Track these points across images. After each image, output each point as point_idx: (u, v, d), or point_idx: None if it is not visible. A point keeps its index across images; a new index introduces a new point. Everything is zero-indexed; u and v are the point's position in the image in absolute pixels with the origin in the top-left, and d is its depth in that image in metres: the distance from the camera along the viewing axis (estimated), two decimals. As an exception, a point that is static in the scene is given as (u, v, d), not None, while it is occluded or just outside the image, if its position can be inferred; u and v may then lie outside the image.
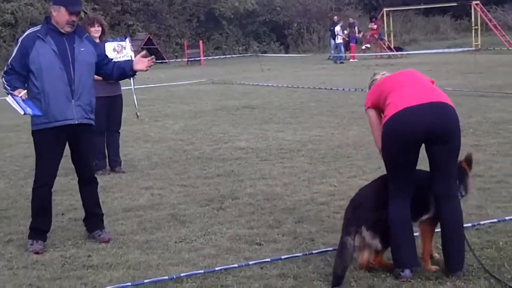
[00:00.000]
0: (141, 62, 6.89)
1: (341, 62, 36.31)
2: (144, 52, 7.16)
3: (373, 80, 6.14)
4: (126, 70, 6.96)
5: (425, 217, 5.64)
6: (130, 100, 11.40)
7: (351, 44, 39.90)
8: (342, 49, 38.23)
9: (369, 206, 5.64)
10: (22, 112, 6.36)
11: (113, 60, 7.20)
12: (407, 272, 5.41)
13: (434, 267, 5.62)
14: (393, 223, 5.50)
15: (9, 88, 6.46)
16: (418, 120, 5.34)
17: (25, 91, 6.48)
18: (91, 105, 6.73)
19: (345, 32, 39.07)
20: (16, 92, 6.39)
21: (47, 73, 6.45)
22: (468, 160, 5.82)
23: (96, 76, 7.50)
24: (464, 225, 5.67)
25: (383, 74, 6.10)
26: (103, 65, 6.89)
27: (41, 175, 6.71)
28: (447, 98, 5.54)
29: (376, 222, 5.56)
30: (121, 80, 8.22)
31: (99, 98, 8.71)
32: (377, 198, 5.66)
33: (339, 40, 38.33)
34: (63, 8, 6.50)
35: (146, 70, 7.00)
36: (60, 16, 6.50)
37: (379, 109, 5.75)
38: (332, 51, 39.75)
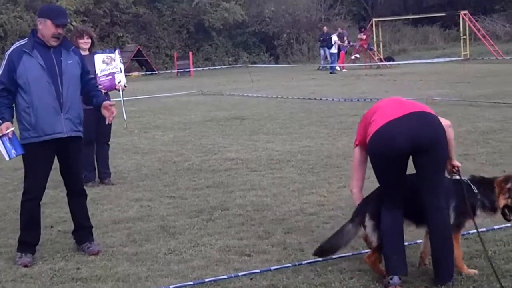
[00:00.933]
0: (107, 110, 6.85)
1: (333, 72, 36.33)
2: (113, 103, 7.10)
3: None
4: (94, 103, 6.93)
5: None
6: (119, 112, 11.36)
7: (341, 52, 39.97)
8: (336, 59, 38.24)
9: (376, 201, 5.69)
10: (7, 158, 6.48)
11: (92, 81, 7.15)
12: (395, 279, 5.43)
13: (472, 271, 5.65)
14: (384, 231, 5.54)
15: None
16: (401, 130, 5.39)
17: (12, 128, 6.46)
18: (79, 117, 6.72)
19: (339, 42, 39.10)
20: (3, 128, 6.38)
21: (35, 88, 6.44)
22: (504, 179, 5.82)
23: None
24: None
25: None
26: (82, 80, 6.85)
27: (30, 188, 6.69)
28: (430, 109, 5.58)
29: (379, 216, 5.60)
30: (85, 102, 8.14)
31: (88, 110, 8.70)
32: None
33: (334, 50, 38.34)
34: (49, 21, 6.49)
35: (108, 121, 6.97)
36: (46, 29, 6.50)
37: (365, 141, 5.73)
38: (322, 62, 39.81)
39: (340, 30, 41.41)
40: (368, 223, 5.67)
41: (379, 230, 5.59)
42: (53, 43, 6.55)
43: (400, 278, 5.44)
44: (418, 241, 6.33)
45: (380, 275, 5.64)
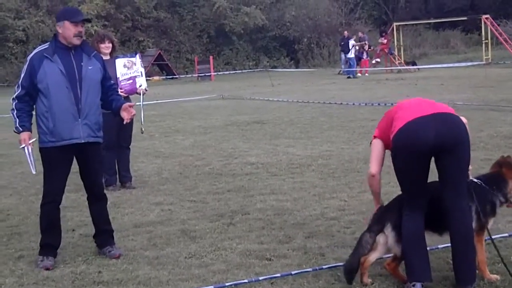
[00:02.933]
0: (126, 112, 6.90)
1: (353, 77, 36.21)
2: (132, 104, 7.15)
3: None
4: (113, 108, 6.97)
5: None
6: (138, 116, 11.40)
7: (364, 58, 39.93)
8: (355, 63, 38.16)
9: (398, 210, 5.65)
10: (34, 171, 6.62)
11: (113, 86, 7.17)
12: (418, 286, 5.38)
13: (494, 277, 5.61)
14: (406, 235, 5.50)
15: (17, 123, 6.56)
16: (424, 129, 5.37)
17: (34, 139, 6.60)
18: (98, 123, 6.74)
19: (356, 47, 39.01)
20: (26, 138, 6.52)
21: (54, 93, 6.47)
22: (508, 165, 5.81)
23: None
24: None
25: None
26: (103, 87, 6.88)
27: (48, 191, 6.73)
28: (453, 110, 5.57)
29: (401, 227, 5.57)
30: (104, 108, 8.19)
31: (109, 114, 8.74)
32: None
33: (352, 54, 38.26)
34: (67, 22, 6.53)
35: (126, 121, 7.00)
36: (66, 30, 6.53)
37: (387, 136, 5.74)
38: (342, 66, 39.77)
39: (360, 34, 41.35)
40: (391, 233, 5.62)
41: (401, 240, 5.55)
42: (77, 41, 6.57)
43: (422, 285, 5.39)
44: (439, 246, 6.29)
45: (401, 281, 5.61)
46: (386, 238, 5.64)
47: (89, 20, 7.23)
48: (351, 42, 38.41)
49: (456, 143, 5.40)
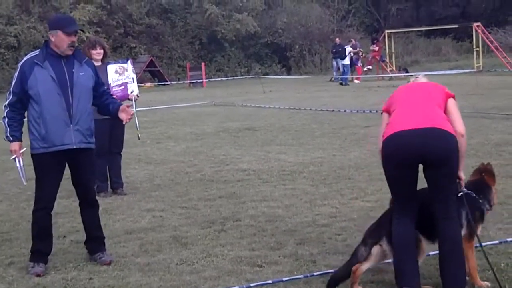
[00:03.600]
0: (125, 113, 6.91)
1: (345, 84, 36.29)
2: (130, 104, 7.19)
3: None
4: (111, 112, 6.99)
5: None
6: (132, 122, 11.39)
7: (357, 66, 40.02)
8: (349, 70, 38.18)
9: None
10: (25, 182, 6.78)
11: (108, 92, 7.21)
12: None
13: (484, 283, 5.63)
14: (396, 240, 5.52)
15: (7, 132, 6.62)
16: (409, 145, 5.41)
17: (24, 149, 6.68)
18: (90, 129, 6.73)
19: (351, 53, 39.06)
20: (16, 149, 6.64)
21: (45, 99, 6.48)
22: (489, 172, 5.90)
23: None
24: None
25: (416, 78, 6.24)
26: (95, 96, 6.89)
27: (40, 198, 6.73)
28: (445, 123, 5.51)
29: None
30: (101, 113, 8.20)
31: (101, 120, 8.76)
32: None
33: (346, 61, 38.30)
34: (60, 31, 6.53)
35: (125, 122, 7.01)
36: (59, 40, 6.53)
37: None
38: (334, 73, 39.82)
39: (353, 41, 41.44)
40: (387, 246, 5.63)
41: None
42: (69, 52, 6.58)
43: None
44: (430, 253, 6.31)
45: None
46: (382, 249, 5.65)
47: (81, 30, 7.23)
48: (348, 48, 38.44)
49: (441, 159, 5.40)
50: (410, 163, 5.45)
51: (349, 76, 37.69)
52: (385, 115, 5.93)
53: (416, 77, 6.23)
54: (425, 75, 6.42)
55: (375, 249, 5.67)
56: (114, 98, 7.41)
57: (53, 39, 6.57)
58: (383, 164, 5.63)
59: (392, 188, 5.68)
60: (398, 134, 5.47)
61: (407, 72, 38.86)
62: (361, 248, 5.73)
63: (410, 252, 5.50)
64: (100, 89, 6.92)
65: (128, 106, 6.98)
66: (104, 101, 6.97)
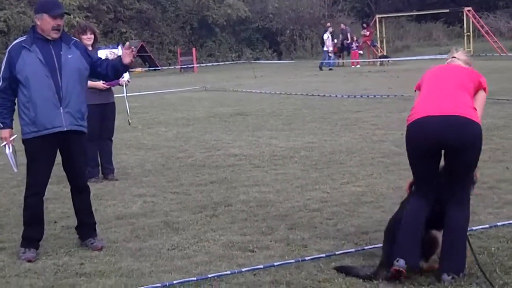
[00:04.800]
0: (127, 56, 6.87)
1: (324, 68, 36.52)
2: (127, 44, 7.14)
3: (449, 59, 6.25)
4: (118, 67, 6.93)
5: None
6: (123, 108, 11.39)
7: (352, 51, 40.02)
8: (327, 56, 38.21)
9: None
10: (15, 169, 6.84)
11: (105, 59, 7.20)
12: (401, 262, 5.44)
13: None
14: (405, 217, 5.61)
15: None
16: (432, 133, 5.50)
17: (14, 136, 6.66)
18: (81, 112, 6.70)
19: (334, 40, 39.03)
20: (6, 136, 6.61)
21: (33, 82, 6.45)
22: None
23: (89, 83, 7.49)
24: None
25: (452, 57, 6.19)
26: (97, 66, 6.86)
27: (32, 183, 6.70)
28: (471, 112, 5.54)
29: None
30: (117, 78, 8.18)
31: (91, 105, 8.71)
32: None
33: (328, 48, 38.32)
34: (45, 14, 6.50)
35: (132, 62, 6.97)
36: (45, 23, 6.50)
37: None
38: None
39: (342, 26, 41.42)
40: None
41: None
42: (55, 35, 6.55)
43: (406, 263, 5.44)
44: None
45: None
46: None
47: (68, 13, 7.18)
48: (325, 36, 38.43)
49: (461, 147, 5.47)
50: (432, 150, 5.56)
51: (328, 61, 37.81)
52: (417, 92, 6.02)
53: (454, 54, 6.20)
54: (465, 52, 6.39)
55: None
56: (110, 60, 7.34)
57: (39, 23, 6.54)
58: (407, 148, 5.76)
59: (413, 171, 5.78)
60: (423, 120, 5.55)
61: (386, 57, 39.03)
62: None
63: (417, 231, 5.57)
64: (98, 61, 6.91)
65: (127, 48, 6.93)
66: (111, 65, 6.93)
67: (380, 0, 57.50)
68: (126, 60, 6.86)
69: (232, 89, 25.75)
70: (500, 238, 6.48)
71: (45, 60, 6.50)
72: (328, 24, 40.71)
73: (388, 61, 37.23)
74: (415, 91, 6.08)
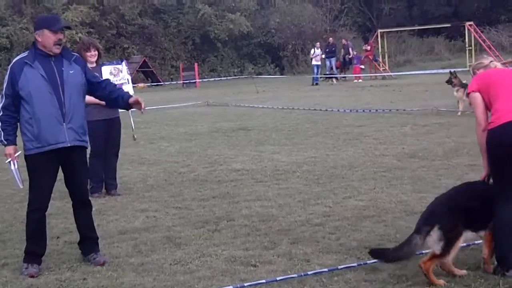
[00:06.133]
0: (136, 105, 6.90)
1: (316, 83, 36.77)
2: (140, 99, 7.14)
3: (479, 63, 6.34)
4: (119, 103, 6.97)
5: None
6: (127, 123, 11.41)
7: (355, 66, 40.17)
8: (315, 70, 38.52)
9: (446, 211, 5.82)
10: (21, 185, 6.85)
11: (110, 83, 7.18)
12: (511, 272, 5.66)
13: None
14: (499, 226, 5.72)
15: (1, 136, 6.58)
16: None
17: (19, 152, 6.67)
18: (83, 127, 6.72)
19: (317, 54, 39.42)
20: (11, 152, 6.62)
21: (36, 98, 6.46)
22: None
23: (92, 99, 7.51)
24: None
25: (491, 61, 6.30)
26: (98, 89, 6.88)
27: (35, 199, 6.71)
28: None
29: (448, 227, 5.70)
30: (112, 107, 8.17)
31: (96, 121, 8.77)
32: (453, 205, 5.85)
33: (314, 62, 38.70)
34: (46, 30, 6.52)
35: (141, 111, 7.00)
36: (46, 38, 6.52)
37: (483, 98, 5.94)
38: (327, 72, 39.96)
39: (344, 41, 41.54)
40: (435, 233, 5.72)
41: (446, 240, 5.67)
42: (56, 50, 6.57)
43: None
44: (477, 242, 6.37)
45: (431, 282, 5.68)
46: (430, 238, 5.75)
47: (69, 27, 7.20)
48: (312, 51, 38.97)
49: None
50: None
51: (318, 76, 38.15)
52: (478, 95, 6.00)
53: (491, 61, 6.33)
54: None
55: (428, 241, 5.76)
56: (120, 89, 7.36)
57: (39, 39, 6.57)
58: (493, 152, 5.79)
59: (497, 175, 5.82)
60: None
61: (376, 61, 39.34)
62: (416, 237, 5.79)
63: None
64: (95, 81, 6.89)
65: (136, 100, 6.92)
66: (110, 94, 6.93)
67: (382, 15, 57.67)
68: (138, 108, 6.92)
69: (234, 104, 25.79)
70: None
71: (48, 76, 6.51)
72: (331, 39, 40.84)
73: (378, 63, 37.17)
74: (468, 93, 6.10)
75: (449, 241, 5.67)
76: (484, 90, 5.96)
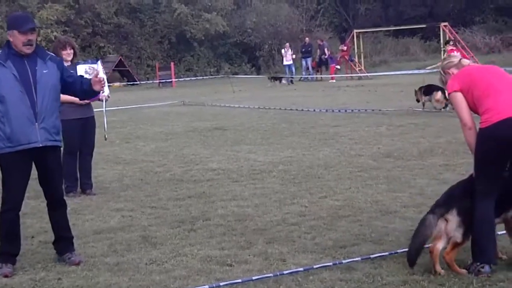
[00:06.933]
0: (96, 84, 6.83)
1: (291, 83, 37.34)
2: (95, 73, 7.10)
3: (449, 61, 6.35)
4: (89, 91, 6.90)
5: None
6: (101, 122, 11.37)
7: (331, 65, 40.34)
8: (290, 69, 39.11)
9: (463, 197, 5.86)
10: None
11: (80, 78, 7.16)
12: (486, 268, 5.69)
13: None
14: (479, 221, 5.73)
15: None
16: None
17: None
18: (56, 127, 6.68)
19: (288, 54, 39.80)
20: None
21: (8, 98, 6.42)
22: None
23: (67, 98, 7.47)
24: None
25: (460, 59, 6.34)
26: (71, 85, 6.84)
27: (8, 198, 6.66)
28: None
29: (466, 213, 5.76)
30: (87, 99, 8.13)
31: (72, 120, 8.72)
32: (470, 192, 5.86)
33: (285, 61, 39.06)
34: (15, 31, 6.49)
35: (101, 90, 6.95)
36: (16, 39, 6.49)
37: (466, 98, 5.95)
38: (303, 72, 40.09)
39: (319, 42, 41.65)
40: (454, 218, 5.78)
41: (465, 226, 5.74)
42: (27, 50, 6.53)
43: (490, 267, 5.69)
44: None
45: (455, 272, 5.76)
46: (448, 223, 5.79)
47: (37, 28, 7.12)
48: (283, 50, 39.59)
49: None
50: None
51: (292, 76, 38.69)
52: (460, 95, 5.99)
53: (462, 59, 6.39)
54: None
55: (443, 225, 5.80)
56: (84, 77, 7.30)
57: (11, 39, 6.55)
58: (485, 147, 5.78)
59: (483, 171, 5.81)
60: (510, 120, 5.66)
61: (352, 61, 39.69)
62: (429, 217, 5.85)
63: (493, 233, 5.79)
64: (71, 79, 6.85)
65: (96, 76, 6.86)
66: (80, 86, 6.90)
67: (358, 15, 57.91)
68: (97, 87, 6.85)
69: (210, 104, 25.77)
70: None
71: (20, 76, 6.47)
72: (307, 39, 41.03)
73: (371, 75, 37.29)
74: (449, 93, 6.09)
75: (468, 227, 5.76)
76: (466, 89, 5.95)
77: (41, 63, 6.62)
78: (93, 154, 10.48)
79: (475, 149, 5.88)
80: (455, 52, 20.19)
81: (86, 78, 7.21)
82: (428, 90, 19.27)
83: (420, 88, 19.60)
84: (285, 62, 39.15)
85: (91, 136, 10.21)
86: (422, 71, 35.23)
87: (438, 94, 18.63)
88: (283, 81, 36.59)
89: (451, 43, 21.08)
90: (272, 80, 36.80)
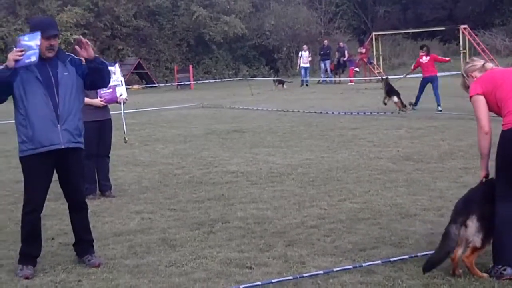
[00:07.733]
0: (83, 52, 6.73)
1: (306, 85, 37.47)
2: (78, 38, 7.01)
3: (472, 65, 6.34)
4: (89, 72, 6.76)
5: None
6: (120, 125, 11.40)
7: (350, 68, 40.28)
8: (302, 73, 38.96)
9: (482, 202, 5.86)
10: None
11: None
12: (509, 270, 5.67)
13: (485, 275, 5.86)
14: (500, 224, 5.73)
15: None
16: None
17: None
18: (78, 129, 6.71)
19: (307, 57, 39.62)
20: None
21: (31, 100, 6.47)
22: None
23: (87, 100, 7.48)
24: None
25: (484, 63, 6.32)
26: (85, 76, 6.81)
27: (29, 200, 6.70)
28: None
29: (486, 218, 5.76)
30: (98, 82, 7.93)
31: (89, 122, 8.74)
32: (489, 196, 5.86)
33: (302, 64, 39.01)
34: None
35: (90, 53, 6.86)
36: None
37: (489, 100, 5.97)
38: (322, 75, 40.02)
39: (340, 44, 41.59)
40: (474, 224, 5.77)
41: (485, 231, 5.73)
42: (49, 54, 6.57)
43: None
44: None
45: (476, 275, 5.77)
46: (467, 229, 5.80)
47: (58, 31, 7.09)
48: (300, 52, 39.63)
49: None
50: None
51: (305, 78, 38.61)
52: (482, 98, 6.01)
53: (485, 62, 6.38)
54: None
55: (462, 231, 5.80)
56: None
57: None
58: (508, 151, 5.81)
59: (505, 175, 5.81)
60: None
61: (371, 63, 39.60)
62: (452, 227, 5.85)
63: None
64: (86, 71, 6.80)
65: (79, 40, 6.78)
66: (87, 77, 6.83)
67: (377, 17, 57.72)
68: (83, 55, 6.74)
69: (229, 106, 25.79)
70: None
71: (42, 78, 6.52)
72: (326, 41, 40.92)
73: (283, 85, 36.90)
74: (471, 96, 6.08)
75: (488, 232, 5.75)
76: (489, 92, 5.96)
77: (62, 65, 6.66)
78: (110, 156, 10.52)
79: (496, 153, 5.88)
80: (424, 57, 20.85)
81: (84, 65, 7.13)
82: (390, 91, 21.39)
83: (387, 83, 21.62)
84: (302, 65, 39.03)
85: (108, 138, 10.26)
86: (441, 73, 35.12)
87: (395, 99, 21.04)
88: (285, 86, 36.46)
89: (425, 48, 21.58)
90: (276, 84, 36.73)
